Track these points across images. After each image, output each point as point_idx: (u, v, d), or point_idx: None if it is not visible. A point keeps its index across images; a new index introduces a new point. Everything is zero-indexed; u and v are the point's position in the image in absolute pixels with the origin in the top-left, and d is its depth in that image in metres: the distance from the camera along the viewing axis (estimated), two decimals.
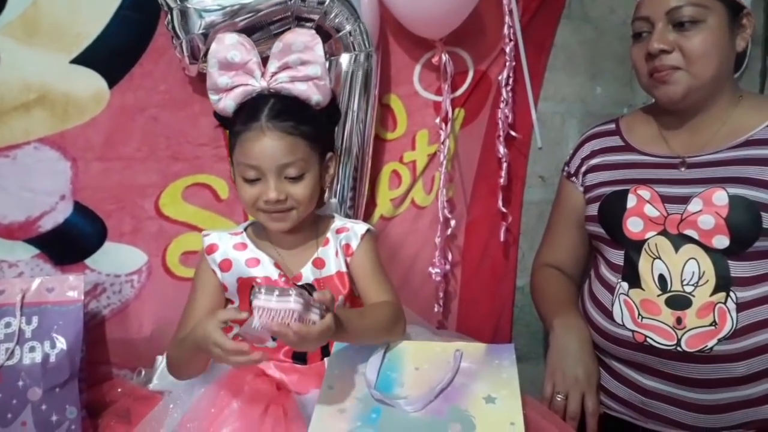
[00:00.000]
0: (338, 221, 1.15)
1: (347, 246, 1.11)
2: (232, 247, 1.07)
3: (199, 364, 0.99)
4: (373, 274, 1.11)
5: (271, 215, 1.03)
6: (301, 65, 1.04)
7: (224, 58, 1.02)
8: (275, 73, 1.04)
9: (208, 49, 1.15)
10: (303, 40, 1.04)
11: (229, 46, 1.03)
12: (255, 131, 1.00)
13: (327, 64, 1.15)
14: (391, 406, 0.92)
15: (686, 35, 1.07)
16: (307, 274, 1.07)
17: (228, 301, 1.09)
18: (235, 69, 1.03)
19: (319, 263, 1.09)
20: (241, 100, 1.04)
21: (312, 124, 1.04)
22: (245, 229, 1.12)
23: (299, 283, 1.06)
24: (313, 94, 1.05)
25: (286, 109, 1.02)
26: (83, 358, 1.12)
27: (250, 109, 1.02)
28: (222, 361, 0.89)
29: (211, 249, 1.07)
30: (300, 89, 1.04)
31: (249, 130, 1.00)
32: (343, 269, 1.09)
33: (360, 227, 1.13)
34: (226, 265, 1.06)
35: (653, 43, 1.09)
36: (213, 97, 1.05)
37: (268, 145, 0.99)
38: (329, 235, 1.12)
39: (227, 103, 1.04)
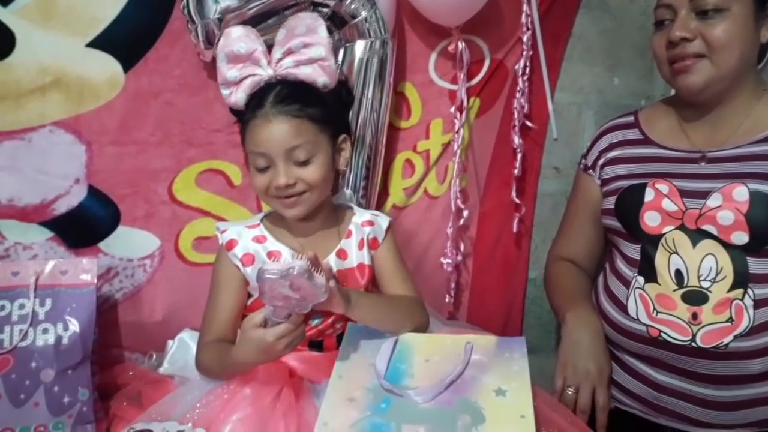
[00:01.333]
0: (359, 213, 1.14)
1: (374, 240, 1.11)
2: (252, 241, 1.07)
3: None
4: (396, 269, 1.13)
5: (284, 201, 1.03)
6: (305, 48, 1.03)
7: (231, 52, 1.03)
8: (280, 60, 1.03)
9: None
10: (305, 23, 1.03)
11: (236, 39, 1.03)
12: (261, 118, 1.00)
13: (335, 48, 1.16)
14: (401, 396, 0.92)
15: (710, 23, 1.05)
16: (330, 264, 1.05)
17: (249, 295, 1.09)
18: (243, 61, 1.03)
19: (342, 254, 1.09)
20: (251, 91, 1.04)
21: (319, 105, 1.03)
22: (261, 221, 1.11)
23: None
24: (319, 76, 1.04)
25: (291, 93, 1.01)
26: (95, 341, 1.13)
27: (257, 97, 1.02)
28: (290, 348, 0.91)
29: (231, 245, 1.06)
30: (305, 73, 1.03)
31: (255, 117, 1.00)
32: (366, 262, 1.09)
33: (383, 220, 1.14)
34: (248, 259, 1.05)
35: (674, 30, 1.07)
36: (225, 91, 1.05)
37: (274, 130, 0.99)
38: (352, 227, 1.11)
39: (238, 96, 1.04)
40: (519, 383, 0.94)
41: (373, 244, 1.11)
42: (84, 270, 1.13)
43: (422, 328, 1.09)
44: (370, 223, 1.12)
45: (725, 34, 1.04)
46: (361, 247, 1.09)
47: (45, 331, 1.07)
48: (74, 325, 1.08)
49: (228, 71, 1.03)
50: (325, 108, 1.04)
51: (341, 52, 1.26)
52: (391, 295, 1.11)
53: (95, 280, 1.12)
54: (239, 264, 1.05)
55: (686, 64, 1.08)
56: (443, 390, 0.93)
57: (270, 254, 1.05)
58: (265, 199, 1.07)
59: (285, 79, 1.03)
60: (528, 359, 0.98)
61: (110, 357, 1.22)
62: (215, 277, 1.09)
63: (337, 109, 1.10)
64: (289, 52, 1.03)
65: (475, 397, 0.92)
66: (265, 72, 1.03)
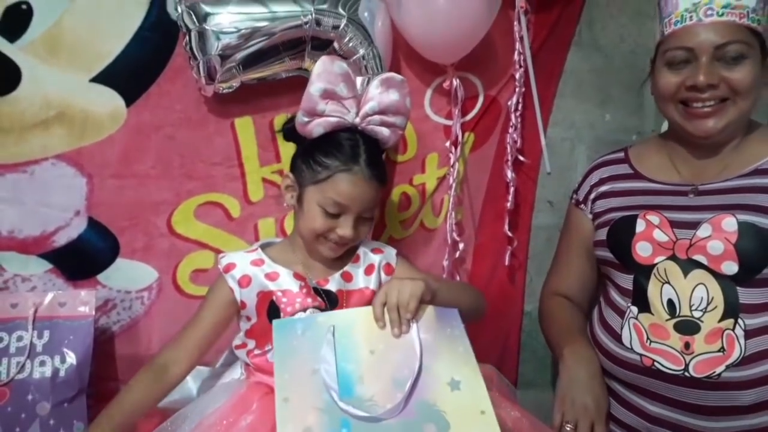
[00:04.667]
0: (365, 243, 1.17)
1: (388, 265, 1.15)
2: (249, 264, 1.09)
3: None
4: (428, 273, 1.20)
5: (333, 246, 1.08)
6: (394, 114, 1.08)
7: (332, 89, 1.03)
8: (370, 115, 1.07)
9: (225, 70, 1.18)
10: (399, 89, 1.08)
11: (339, 76, 1.03)
12: (356, 174, 1.04)
13: None
14: (360, 418, 0.87)
15: (732, 70, 1.08)
16: (333, 282, 1.09)
17: (239, 317, 1.10)
18: (337, 99, 1.05)
19: (347, 276, 1.11)
20: (330, 129, 1.06)
21: (386, 169, 1.12)
22: (258, 248, 1.13)
23: (323, 288, 1.08)
24: (392, 139, 1.11)
25: (377, 156, 1.08)
26: (92, 374, 1.13)
27: (348, 148, 1.05)
28: None
29: (229, 268, 1.08)
30: (384, 134, 1.09)
31: (350, 171, 1.04)
32: (371, 287, 1.11)
33: (389, 249, 1.18)
34: (245, 281, 1.07)
35: (700, 76, 1.08)
36: (304, 118, 1.05)
37: (365, 190, 1.05)
38: (360, 253, 1.14)
39: (317, 129, 1.06)
40: (469, 368, 0.94)
41: (387, 269, 1.14)
42: (82, 302, 1.14)
43: (484, 309, 1.18)
44: (380, 251, 1.16)
45: (748, 79, 1.07)
46: (369, 272, 1.12)
47: (42, 363, 1.08)
48: (71, 358, 1.09)
49: (319, 103, 1.04)
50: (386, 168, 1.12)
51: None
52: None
53: (93, 312, 1.13)
54: (235, 286, 1.06)
55: (707, 111, 1.10)
56: (404, 404, 0.89)
57: (267, 276, 1.07)
58: (311, 237, 1.08)
59: (364, 132, 1.07)
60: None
61: (106, 390, 1.21)
62: (206, 297, 1.11)
63: None
64: (381, 112, 1.07)
65: (433, 397, 0.90)
66: (350, 119, 1.06)
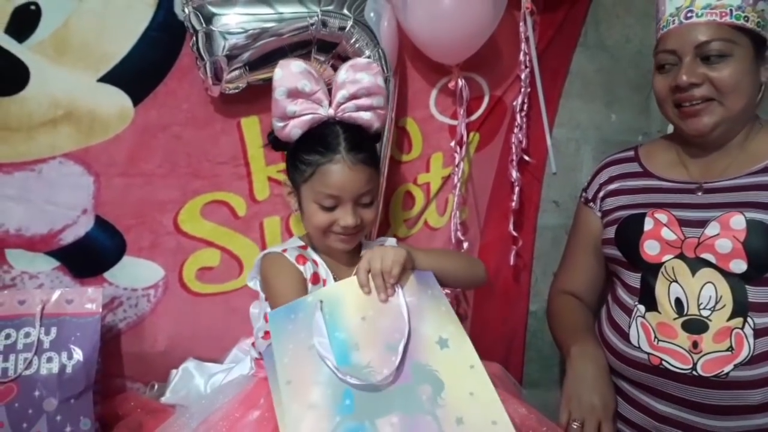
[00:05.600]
0: (367, 243, 1.20)
1: None
2: (298, 248, 1.12)
3: None
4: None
5: (342, 237, 1.09)
6: (367, 96, 1.09)
7: (294, 87, 1.05)
8: (342, 103, 1.08)
9: (232, 70, 1.19)
10: (367, 71, 1.09)
11: (298, 75, 1.06)
12: (337, 163, 1.05)
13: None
14: (360, 387, 0.88)
15: (715, 68, 1.08)
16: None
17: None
18: (304, 97, 1.07)
19: None
20: (308, 127, 1.08)
21: (376, 151, 1.12)
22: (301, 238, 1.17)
23: None
24: (375, 122, 1.11)
25: (360, 141, 1.08)
26: (98, 371, 1.13)
27: (325, 139, 1.06)
28: None
29: (284, 251, 1.10)
30: (364, 118, 1.09)
31: (331, 161, 1.05)
32: None
33: (390, 239, 1.22)
34: (301, 259, 1.09)
35: (683, 76, 1.10)
36: (278, 124, 1.08)
37: (351, 177, 1.05)
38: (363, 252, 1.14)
39: (294, 131, 1.08)
40: (454, 325, 0.96)
41: None
42: (89, 299, 1.14)
43: (482, 274, 1.17)
44: (381, 244, 1.18)
45: (731, 77, 1.08)
46: None
47: (49, 359, 1.08)
48: (78, 354, 1.09)
49: (288, 106, 1.06)
50: (377, 152, 1.12)
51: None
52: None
53: (100, 310, 1.14)
54: (294, 262, 1.08)
55: (696, 109, 1.11)
56: (401, 366, 0.91)
57: (314, 261, 1.11)
58: (318, 234, 1.10)
59: (343, 121, 1.08)
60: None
61: (112, 387, 1.22)
62: (277, 270, 1.08)
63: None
64: (353, 98, 1.08)
65: (425, 357, 0.92)
66: (325, 112, 1.07)
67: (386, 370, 0.90)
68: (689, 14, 1.10)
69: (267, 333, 1.08)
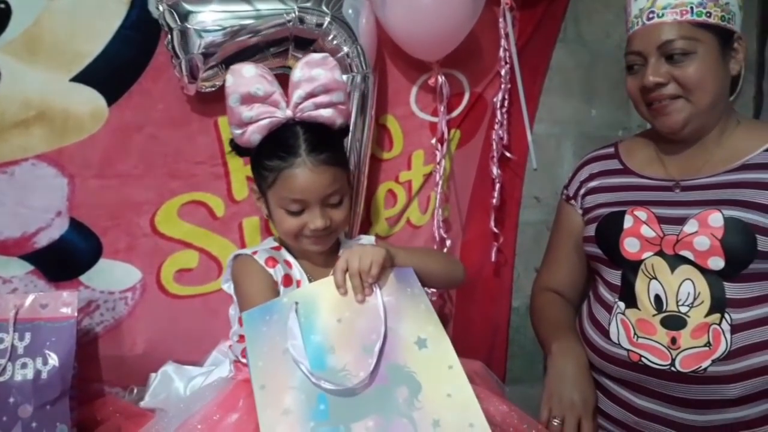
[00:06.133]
0: (346, 242, 1.19)
1: None
2: (270, 249, 1.11)
3: None
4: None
5: (314, 240, 1.07)
6: (325, 93, 1.06)
7: (247, 93, 1.02)
8: (300, 103, 1.05)
9: (208, 68, 1.17)
10: (322, 66, 1.05)
11: (251, 79, 1.03)
12: (299, 167, 1.02)
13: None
14: (335, 392, 0.87)
15: (679, 66, 1.09)
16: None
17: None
18: (259, 101, 1.04)
19: None
20: (266, 132, 1.05)
21: (341, 148, 1.10)
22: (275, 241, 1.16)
23: None
24: (337, 118, 1.08)
25: (320, 140, 1.05)
26: (75, 375, 1.11)
27: (285, 143, 1.04)
28: None
29: (254, 254, 1.08)
30: (325, 116, 1.06)
31: (292, 166, 1.02)
32: None
33: (368, 237, 1.22)
34: (271, 262, 1.08)
35: (648, 76, 1.11)
36: (236, 131, 1.06)
37: (314, 179, 1.03)
38: (341, 251, 1.14)
39: (253, 137, 1.05)
40: (432, 325, 0.94)
41: None
42: (64, 303, 1.12)
43: (460, 275, 1.17)
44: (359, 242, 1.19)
45: (695, 74, 1.09)
46: None
47: (24, 365, 1.06)
48: (54, 360, 1.07)
49: (243, 112, 1.03)
50: (343, 149, 1.10)
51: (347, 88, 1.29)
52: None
53: (76, 314, 1.11)
54: (263, 265, 1.06)
55: (664, 105, 1.12)
56: (377, 368, 0.89)
57: (287, 263, 1.09)
58: (291, 239, 1.09)
59: (303, 121, 1.05)
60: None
61: (90, 391, 1.20)
62: (245, 274, 1.07)
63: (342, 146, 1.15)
64: (310, 96, 1.05)
65: (402, 358, 0.91)
66: (283, 114, 1.04)
67: (362, 372, 0.89)
68: (651, 15, 1.11)
69: (242, 337, 1.06)
